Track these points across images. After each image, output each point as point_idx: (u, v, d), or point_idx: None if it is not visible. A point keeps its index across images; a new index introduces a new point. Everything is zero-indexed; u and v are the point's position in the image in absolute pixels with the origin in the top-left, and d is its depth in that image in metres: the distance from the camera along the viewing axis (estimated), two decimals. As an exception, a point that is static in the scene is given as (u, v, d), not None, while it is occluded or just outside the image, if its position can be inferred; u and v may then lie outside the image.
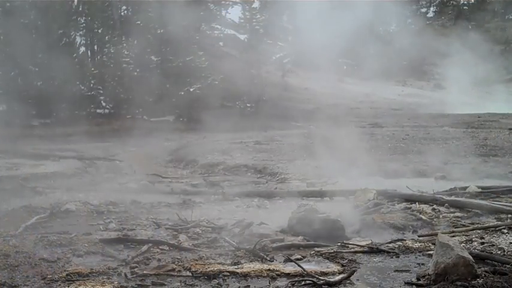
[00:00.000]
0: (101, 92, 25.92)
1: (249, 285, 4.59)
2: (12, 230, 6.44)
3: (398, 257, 5.44)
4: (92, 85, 25.92)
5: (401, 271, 4.99)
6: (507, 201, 7.89)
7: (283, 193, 9.46)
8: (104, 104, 26.11)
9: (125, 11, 30.30)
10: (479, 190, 8.91)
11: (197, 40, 27.40)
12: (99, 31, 28.56)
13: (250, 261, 5.24)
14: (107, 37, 28.32)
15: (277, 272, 4.87)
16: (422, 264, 5.15)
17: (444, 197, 8.02)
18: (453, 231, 6.32)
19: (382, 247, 5.72)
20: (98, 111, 25.95)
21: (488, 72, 37.87)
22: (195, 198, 9.29)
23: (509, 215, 7.05)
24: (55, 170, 12.60)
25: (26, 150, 15.77)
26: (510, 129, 19.08)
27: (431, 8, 52.56)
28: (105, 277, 4.79)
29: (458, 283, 4.39)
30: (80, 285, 4.55)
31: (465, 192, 8.74)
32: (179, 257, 5.40)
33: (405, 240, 6.08)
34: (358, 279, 4.73)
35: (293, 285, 4.56)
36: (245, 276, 4.79)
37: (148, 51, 25.74)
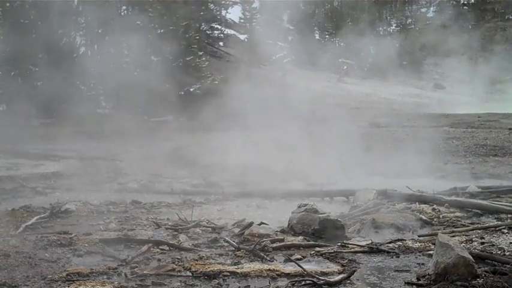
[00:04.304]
0: (101, 92, 25.91)
1: (249, 285, 4.59)
2: (12, 230, 6.44)
3: (398, 257, 5.44)
4: (91, 85, 25.90)
5: (402, 271, 4.99)
6: (507, 201, 7.90)
7: (283, 193, 9.46)
8: (104, 104, 26.10)
9: (125, 11, 30.30)
10: (479, 190, 8.93)
11: (197, 40, 27.42)
12: (99, 31, 28.55)
13: (250, 261, 5.24)
14: (106, 37, 28.31)
15: (277, 272, 4.87)
16: (422, 264, 5.15)
17: (444, 197, 8.02)
18: (453, 231, 6.32)
19: (382, 247, 5.72)
20: (98, 111, 25.93)
21: (488, 72, 37.88)
22: (195, 198, 9.29)
23: (509, 215, 7.05)
24: (55, 170, 12.59)
25: (26, 150, 15.76)
26: (510, 129, 19.10)
27: (431, 8, 52.63)
28: (105, 277, 4.79)
29: (459, 283, 4.39)
30: (80, 285, 4.54)
31: (465, 192, 8.75)
32: (179, 257, 5.40)
33: (405, 240, 6.07)
34: (358, 279, 4.73)
35: (293, 285, 4.56)
36: (245, 276, 4.79)
37: (148, 51, 25.72)
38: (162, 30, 25.52)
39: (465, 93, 39.33)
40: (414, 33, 49.00)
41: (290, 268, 4.96)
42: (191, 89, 25.42)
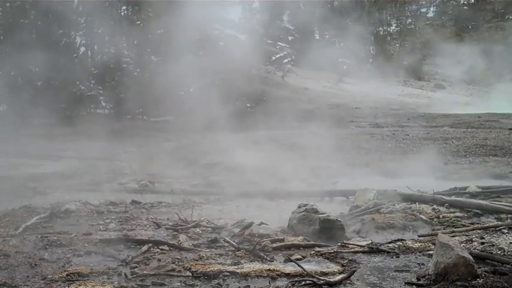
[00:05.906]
0: (101, 92, 25.91)
1: (249, 285, 4.59)
2: (12, 230, 6.44)
3: (398, 257, 5.44)
4: (92, 85, 25.90)
5: (402, 271, 4.98)
6: (507, 201, 7.89)
7: (283, 193, 9.46)
8: (104, 104, 26.10)
9: (125, 11, 30.29)
10: (479, 190, 8.91)
11: (197, 40, 27.39)
12: (99, 31, 28.55)
13: (250, 261, 5.24)
14: (106, 37, 28.30)
15: (277, 272, 4.86)
16: (423, 264, 5.15)
17: (444, 197, 8.01)
18: (453, 231, 6.32)
19: (382, 247, 5.72)
20: (98, 111, 25.94)
21: (488, 72, 37.91)
22: (195, 198, 9.29)
23: (509, 215, 7.05)
24: (55, 170, 12.60)
25: (26, 150, 15.76)
26: (510, 129, 19.10)
27: (431, 8, 52.67)
28: (105, 277, 4.79)
29: (459, 283, 4.39)
30: (80, 285, 4.54)
31: (465, 192, 8.75)
32: (179, 257, 5.40)
33: (405, 240, 6.07)
34: (358, 279, 4.73)
35: (293, 285, 4.56)
36: (245, 276, 4.79)
37: (148, 51, 25.74)
38: (162, 30, 25.50)
39: (465, 93, 39.35)
40: (414, 33, 49.04)
41: (290, 268, 4.96)
42: (191, 89, 25.40)
